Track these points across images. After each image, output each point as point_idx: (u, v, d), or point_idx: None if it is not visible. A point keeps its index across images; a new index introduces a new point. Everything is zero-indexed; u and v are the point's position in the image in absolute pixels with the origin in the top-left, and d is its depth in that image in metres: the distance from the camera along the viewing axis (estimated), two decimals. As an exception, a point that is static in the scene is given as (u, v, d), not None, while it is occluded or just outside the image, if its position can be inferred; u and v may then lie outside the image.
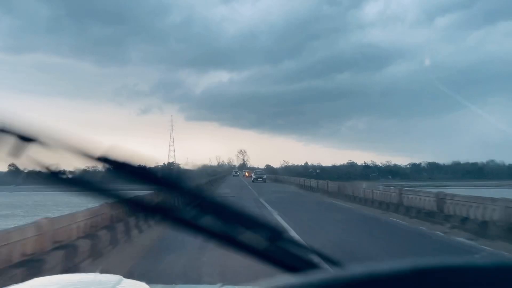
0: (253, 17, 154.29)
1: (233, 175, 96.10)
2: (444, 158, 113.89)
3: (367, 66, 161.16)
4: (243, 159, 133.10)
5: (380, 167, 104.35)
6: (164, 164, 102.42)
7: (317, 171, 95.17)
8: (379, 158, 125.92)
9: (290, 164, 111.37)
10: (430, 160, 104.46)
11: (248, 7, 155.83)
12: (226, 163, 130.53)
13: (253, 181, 55.35)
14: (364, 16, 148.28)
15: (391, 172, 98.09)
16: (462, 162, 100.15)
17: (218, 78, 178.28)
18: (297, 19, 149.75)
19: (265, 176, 60.57)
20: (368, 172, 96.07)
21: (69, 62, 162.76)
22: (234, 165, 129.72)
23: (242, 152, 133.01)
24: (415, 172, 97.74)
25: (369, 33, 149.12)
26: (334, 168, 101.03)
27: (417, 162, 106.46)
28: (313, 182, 33.63)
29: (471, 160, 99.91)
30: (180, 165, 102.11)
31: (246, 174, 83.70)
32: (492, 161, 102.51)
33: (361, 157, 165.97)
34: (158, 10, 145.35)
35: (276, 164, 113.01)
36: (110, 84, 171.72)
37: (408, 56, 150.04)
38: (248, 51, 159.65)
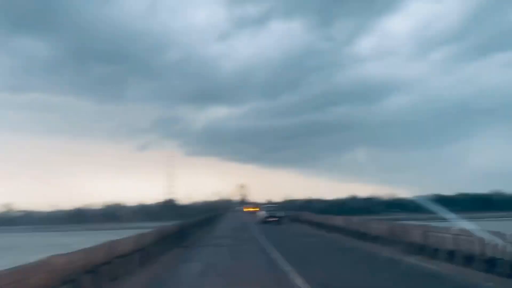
0: (250, 53, 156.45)
1: (233, 211, 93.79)
2: (448, 189, 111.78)
3: (364, 99, 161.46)
4: (244, 194, 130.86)
5: (384, 200, 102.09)
6: (163, 200, 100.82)
7: (320, 205, 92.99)
8: (381, 191, 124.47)
9: (292, 198, 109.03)
10: (434, 192, 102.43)
11: (245, 43, 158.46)
12: (226, 198, 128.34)
13: (262, 222, 36.95)
14: (360, 50, 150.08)
15: (395, 205, 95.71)
16: (467, 193, 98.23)
17: (217, 113, 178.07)
18: (293, 54, 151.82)
19: (283, 214, 38.79)
20: (372, 205, 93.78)
21: (68, 101, 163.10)
22: (234, 200, 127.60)
23: (242, 186, 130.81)
24: (422, 205, 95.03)
25: (365, 66, 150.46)
26: (337, 202, 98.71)
27: (421, 194, 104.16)
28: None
29: (475, 191, 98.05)
30: (178, 202, 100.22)
31: (248, 209, 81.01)
32: (498, 191, 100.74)
33: (363, 190, 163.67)
34: (156, 49, 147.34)
35: (277, 198, 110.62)
36: (109, 122, 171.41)
37: (404, 88, 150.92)
38: (246, 86, 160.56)
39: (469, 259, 11.12)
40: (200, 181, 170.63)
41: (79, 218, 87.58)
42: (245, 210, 76.61)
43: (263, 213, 39.77)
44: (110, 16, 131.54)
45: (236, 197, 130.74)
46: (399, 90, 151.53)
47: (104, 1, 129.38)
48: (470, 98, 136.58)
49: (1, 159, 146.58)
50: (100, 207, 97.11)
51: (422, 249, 13.91)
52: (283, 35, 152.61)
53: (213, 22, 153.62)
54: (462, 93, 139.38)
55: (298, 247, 18.57)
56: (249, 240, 22.25)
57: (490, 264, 10.22)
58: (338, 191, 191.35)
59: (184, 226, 24.78)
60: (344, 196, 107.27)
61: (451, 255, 12.08)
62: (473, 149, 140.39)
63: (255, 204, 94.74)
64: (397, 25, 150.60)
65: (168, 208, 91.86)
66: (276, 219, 37.34)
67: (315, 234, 25.68)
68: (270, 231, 29.45)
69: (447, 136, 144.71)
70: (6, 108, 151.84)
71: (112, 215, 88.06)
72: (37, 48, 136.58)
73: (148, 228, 20.22)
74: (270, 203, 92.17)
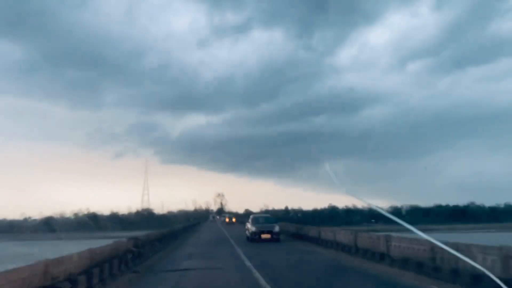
0: (229, 61, 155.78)
1: (211, 221, 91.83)
2: (424, 201, 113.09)
3: (343, 109, 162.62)
4: (221, 203, 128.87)
5: (362, 211, 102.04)
6: (137, 210, 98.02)
7: (298, 215, 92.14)
8: (359, 202, 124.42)
9: (270, 208, 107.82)
10: (410, 203, 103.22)
11: (224, 52, 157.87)
12: (203, 208, 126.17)
13: (250, 239, 26.35)
14: (339, 61, 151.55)
15: (373, 216, 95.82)
16: (443, 204, 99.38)
17: (195, 121, 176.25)
18: (273, 64, 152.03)
19: (277, 229, 26.05)
20: (351, 216, 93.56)
21: (42, 106, 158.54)
22: (212, 210, 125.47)
23: (220, 195, 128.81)
24: (397, 215, 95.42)
25: (344, 77, 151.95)
26: (316, 212, 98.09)
27: (398, 204, 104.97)
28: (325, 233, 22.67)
29: (451, 202, 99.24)
30: (154, 211, 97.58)
31: (227, 219, 78.10)
32: (473, 203, 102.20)
33: (341, 200, 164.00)
34: (134, 54, 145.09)
35: (255, 208, 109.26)
36: (84, 128, 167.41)
37: (383, 100, 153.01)
38: (225, 94, 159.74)
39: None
40: (177, 190, 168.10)
41: (49, 227, 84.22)
42: (227, 221, 77.43)
43: (251, 227, 26.99)
44: (85, 20, 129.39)
45: (213, 206, 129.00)
46: (377, 101, 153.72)
47: (79, 5, 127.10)
48: (446, 111, 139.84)
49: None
50: (71, 216, 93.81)
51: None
52: (263, 44, 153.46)
53: (193, 29, 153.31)
54: (438, 105, 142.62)
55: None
56: (229, 261, 16.13)
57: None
58: (317, 201, 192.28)
59: (145, 240, 18.58)
60: (322, 206, 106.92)
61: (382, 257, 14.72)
62: (449, 161, 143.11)
63: (233, 214, 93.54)
64: (376, 37, 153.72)
65: (143, 217, 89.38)
66: (269, 235, 25.74)
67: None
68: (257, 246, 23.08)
69: (424, 148, 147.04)
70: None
71: (84, 224, 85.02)
72: (11, 51, 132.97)
73: (119, 237, 17.48)
74: (263, 212, 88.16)
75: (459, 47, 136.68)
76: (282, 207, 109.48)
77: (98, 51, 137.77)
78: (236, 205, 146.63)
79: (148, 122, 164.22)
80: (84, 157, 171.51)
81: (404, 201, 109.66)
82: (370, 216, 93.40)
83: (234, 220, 76.09)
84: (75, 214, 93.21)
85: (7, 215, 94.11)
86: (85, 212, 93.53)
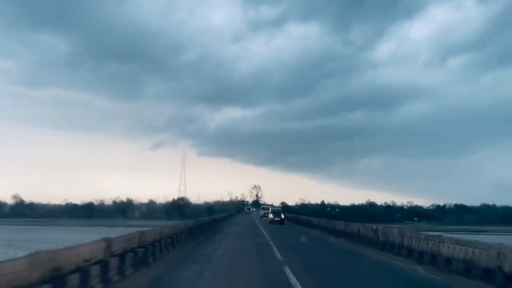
0: (265, 55, 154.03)
1: (246, 212, 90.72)
2: (468, 200, 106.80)
3: (380, 105, 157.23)
4: (257, 195, 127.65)
5: (402, 208, 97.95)
6: (173, 199, 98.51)
7: (336, 210, 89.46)
8: (398, 199, 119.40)
9: (306, 202, 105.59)
10: (454, 201, 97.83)
11: (260, 46, 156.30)
12: (239, 199, 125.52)
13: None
14: (377, 55, 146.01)
15: (415, 213, 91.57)
16: (489, 204, 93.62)
17: (231, 115, 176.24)
18: (309, 58, 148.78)
19: (282, 216, 44.03)
20: (391, 213, 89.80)
21: (85, 97, 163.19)
22: (247, 201, 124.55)
23: (256, 187, 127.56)
24: (441, 214, 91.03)
25: (382, 72, 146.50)
26: (353, 208, 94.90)
27: (440, 203, 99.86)
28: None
29: (498, 203, 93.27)
30: (189, 201, 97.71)
31: (271, 216, 50.28)
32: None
33: (379, 197, 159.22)
34: (173, 48, 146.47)
35: (291, 201, 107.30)
36: (125, 119, 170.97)
37: (422, 96, 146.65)
38: (261, 88, 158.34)
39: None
40: (213, 182, 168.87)
41: (89, 213, 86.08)
42: (271, 217, 45.55)
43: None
44: (126, 14, 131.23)
45: (249, 198, 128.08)
46: (416, 97, 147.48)
47: (121, 0, 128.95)
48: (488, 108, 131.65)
49: (19, 152, 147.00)
50: (111, 203, 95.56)
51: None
52: (299, 39, 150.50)
53: (230, 23, 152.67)
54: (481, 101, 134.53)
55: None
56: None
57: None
58: (353, 197, 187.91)
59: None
60: (359, 202, 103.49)
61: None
62: (493, 160, 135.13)
63: (276, 207, 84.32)
64: (416, 31, 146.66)
65: (178, 207, 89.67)
66: (279, 219, 43.03)
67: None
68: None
69: (466, 146, 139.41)
70: (26, 102, 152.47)
71: (122, 212, 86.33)
72: (56, 45, 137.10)
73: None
74: (277, 206, 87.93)
75: (503, 42, 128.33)
76: (318, 201, 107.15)
77: (138, 45, 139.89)
78: (272, 198, 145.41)
79: (185, 115, 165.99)
80: (125, 147, 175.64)
81: (447, 199, 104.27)
82: (412, 214, 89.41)
83: (283, 217, 46.24)
84: (113, 202, 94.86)
85: (50, 200, 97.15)
86: (124, 200, 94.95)
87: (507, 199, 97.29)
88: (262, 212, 57.50)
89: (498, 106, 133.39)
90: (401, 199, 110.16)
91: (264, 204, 63.36)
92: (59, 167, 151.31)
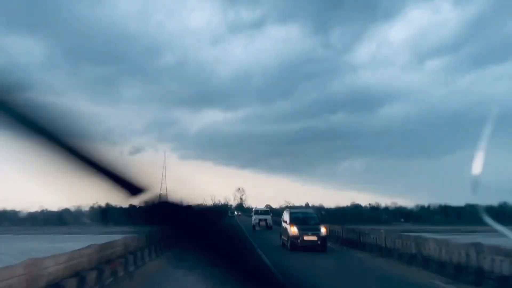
0: (245, 58, 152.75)
1: (229, 216, 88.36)
2: (449, 200, 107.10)
3: (360, 107, 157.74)
4: (241, 198, 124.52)
5: (387, 209, 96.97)
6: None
7: (322, 212, 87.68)
8: (381, 199, 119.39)
9: (291, 204, 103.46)
10: (436, 201, 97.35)
11: (240, 49, 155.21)
12: (222, 203, 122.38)
13: (259, 229, 36.13)
14: (357, 58, 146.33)
15: (400, 214, 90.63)
16: (473, 204, 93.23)
17: (212, 118, 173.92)
18: (289, 61, 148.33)
19: (269, 219, 37.29)
20: (377, 214, 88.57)
21: (61, 101, 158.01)
22: (231, 205, 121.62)
23: (240, 190, 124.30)
24: (426, 215, 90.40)
25: (362, 75, 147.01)
26: (339, 210, 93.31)
27: (423, 203, 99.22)
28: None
29: (480, 202, 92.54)
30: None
31: (256, 222, 45.15)
32: (505, 203, 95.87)
33: (363, 198, 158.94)
34: (152, 51, 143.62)
35: (275, 204, 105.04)
36: (103, 123, 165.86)
37: (401, 98, 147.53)
38: (241, 91, 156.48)
39: None
40: (195, 185, 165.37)
41: (64, 220, 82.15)
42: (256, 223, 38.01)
43: (254, 216, 38.78)
44: (102, 16, 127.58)
45: (233, 201, 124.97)
46: (396, 99, 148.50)
47: (96, 1, 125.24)
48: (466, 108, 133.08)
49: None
50: (87, 209, 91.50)
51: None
52: (278, 41, 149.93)
53: (209, 26, 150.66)
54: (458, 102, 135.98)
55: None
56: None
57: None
58: (337, 198, 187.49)
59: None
60: (343, 204, 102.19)
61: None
62: (471, 160, 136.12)
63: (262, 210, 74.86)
64: (395, 34, 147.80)
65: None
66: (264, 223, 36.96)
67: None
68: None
69: (445, 146, 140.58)
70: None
71: (97, 217, 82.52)
72: (30, 48, 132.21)
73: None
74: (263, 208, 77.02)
75: (480, 44, 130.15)
76: (302, 203, 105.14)
77: (115, 47, 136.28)
78: (256, 201, 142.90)
79: (166, 118, 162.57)
80: (103, 152, 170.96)
81: (429, 200, 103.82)
82: (398, 215, 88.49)
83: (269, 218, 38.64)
84: (91, 208, 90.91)
85: (27, 208, 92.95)
86: (102, 206, 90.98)
87: (488, 198, 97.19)
88: (255, 218, 37.69)
89: (475, 107, 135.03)
90: (384, 200, 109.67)
91: (256, 209, 41.89)
92: (35, 173, 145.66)
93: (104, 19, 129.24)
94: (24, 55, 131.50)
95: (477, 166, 3.10)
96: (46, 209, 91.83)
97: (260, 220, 38.10)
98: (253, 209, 43.49)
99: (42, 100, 1.77)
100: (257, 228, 37.04)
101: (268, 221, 37.89)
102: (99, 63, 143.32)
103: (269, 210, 42.48)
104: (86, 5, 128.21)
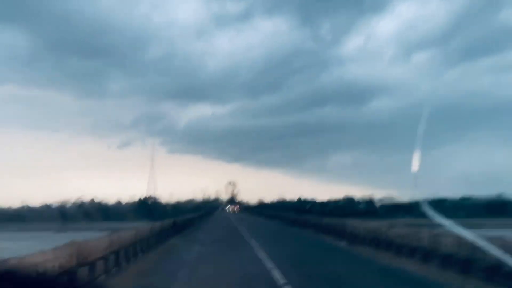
0: (232, 51, 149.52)
1: (221, 210, 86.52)
2: (441, 193, 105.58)
3: (348, 100, 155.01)
4: (233, 192, 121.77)
5: (382, 202, 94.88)
6: (140, 199, 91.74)
7: (311, 205, 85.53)
8: (375, 192, 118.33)
9: (285, 199, 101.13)
10: (428, 194, 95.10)
11: (226, 42, 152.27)
12: (214, 197, 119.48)
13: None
14: (345, 51, 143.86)
15: (397, 207, 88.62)
16: (469, 196, 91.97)
17: (200, 112, 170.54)
18: (276, 54, 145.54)
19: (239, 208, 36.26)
20: (373, 208, 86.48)
21: (47, 95, 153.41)
22: (222, 200, 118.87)
23: (231, 184, 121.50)
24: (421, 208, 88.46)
25: (350, 68, 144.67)
26: (332, 204, 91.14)
27: (416, 196, 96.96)
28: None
29: (475, 195, 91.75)
30: (160, 200, 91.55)
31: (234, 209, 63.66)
32: (499, 195, 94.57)
33: (355, 191, 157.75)
34: (138, 43, 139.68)
35: (268, 198, 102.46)
36: (90, 117, 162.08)
37: (389, 91, 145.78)
38: (229, 85, 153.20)
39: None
40: (185, 180, 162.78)
41: (47, 216, 78.72)
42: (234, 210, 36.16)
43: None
44: (86, 7, 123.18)
45: (224, 195, 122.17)
46: (383, 92, 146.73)
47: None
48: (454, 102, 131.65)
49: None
50: (72, 205, 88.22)
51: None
52: (266, 34, 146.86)
53: (195, 18, 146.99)
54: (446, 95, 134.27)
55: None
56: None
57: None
58: (329, 192, 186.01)
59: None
60: (336, 197, 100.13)
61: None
62: (459, 153, 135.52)
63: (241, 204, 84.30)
64: (383, 27, 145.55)
65: (145, 206, 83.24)
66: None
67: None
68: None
69: (432, 140, 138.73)
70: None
71: (86, 214, 79.40)
72: (15, 40, 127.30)
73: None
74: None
75: (467, 37, 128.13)
76: (294, 197, 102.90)
77: (100, 40, 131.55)
78: (248, 195, 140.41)
79: (154, 112, 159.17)
80: (91, 145, 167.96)
81: (422, 193, 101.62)
82: (395, 208, 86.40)
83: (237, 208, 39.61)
84: (74, 203, 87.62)
85: (11, 203, 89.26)
86: (87, 201, 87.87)
87: (479, 190, 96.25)
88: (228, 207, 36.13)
89: (462, 100, 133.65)
90: (378, 193, 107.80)
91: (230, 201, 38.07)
92: (19, 168, 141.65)
93: (88, 11, 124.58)
94: (6, 46, 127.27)
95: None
96: (27, 205, 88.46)
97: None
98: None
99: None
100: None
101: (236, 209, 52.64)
102: (84, 56, 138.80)
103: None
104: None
